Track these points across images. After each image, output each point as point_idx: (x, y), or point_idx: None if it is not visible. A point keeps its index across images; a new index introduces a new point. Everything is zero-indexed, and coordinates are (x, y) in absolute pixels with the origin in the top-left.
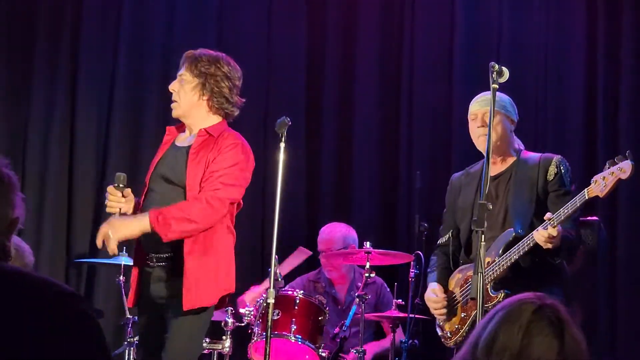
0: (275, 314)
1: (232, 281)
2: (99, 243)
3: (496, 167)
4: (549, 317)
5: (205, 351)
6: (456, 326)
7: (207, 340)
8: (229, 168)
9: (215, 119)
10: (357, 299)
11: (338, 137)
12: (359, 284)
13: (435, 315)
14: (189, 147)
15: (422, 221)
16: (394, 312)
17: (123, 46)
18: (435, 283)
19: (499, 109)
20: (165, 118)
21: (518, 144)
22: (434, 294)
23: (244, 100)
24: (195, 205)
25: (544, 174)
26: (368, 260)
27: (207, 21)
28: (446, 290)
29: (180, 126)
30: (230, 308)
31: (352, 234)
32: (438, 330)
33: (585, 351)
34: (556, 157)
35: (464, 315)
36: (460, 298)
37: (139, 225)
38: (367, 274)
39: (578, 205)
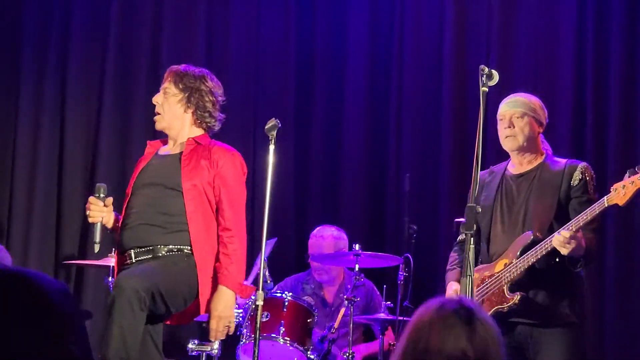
0: (264, 316)
1: None
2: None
3: (521, 167)
4: (454, 309)
5: (194, 353)
6: None
7: (196, 342)
8: (239, 194)
9: (199, 132)
10: (346, 302)
11: (327, 139)
12: (349, 286)
13: None
14: (179, 153)
15: (411, 224)
16: (383, 315)
17: (111, 54)
18: (456, 283)
19: (527, 111)
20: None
21: (546, 147)
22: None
23: (224, 115)
24: (238, 250)
25: (569, 179)
26: (357, 263)
27: (196, 26)
28: None
29: (162, 140)
30: None
31: (342, 237)
32: None
33: (498, 335)
34: (582, 164)
35: None
36: (476, 297)
37: (231, 302)
38: (356, 277)
39: (597, 212)
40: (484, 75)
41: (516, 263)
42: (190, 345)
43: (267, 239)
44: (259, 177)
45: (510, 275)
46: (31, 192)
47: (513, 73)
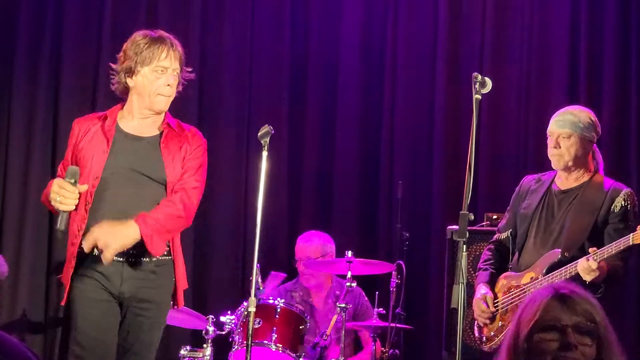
0: (256, 322)
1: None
2: (88, 248)
3: (567, 183)
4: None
5: (187, 359)
6: (492, 333)
7: (188, 348)
8: (199, 169)
9: None
10: (338, 309)
11: (320, 146)
12: (337, 292)
13: (478, 320)
14: (156, 138)
15: (404, 231)
16: (375, 322)
17: (104, 59)
18: (486, 288)
19: (574, 131)
20: None
21: (596, 160)
22: (484, 303)
23: None
24: (175, 215)
25: (610, 204)
26: (350, 270)
27: (190, 30)
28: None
29: (112, 111)
30: (211, 316)
31: (329, 242)
32: (475, 331)
33: (591, 304)
34: (626, 190)
35: (501, 324)
36: (501, 305)
37: (134, 234)
38: (348, 284)
39: (622, 248)
40: (477, 83)
41: (541, 280)
42: (182, 352)
43: (260, 246)
44: (251, 184)
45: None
46: (24, 203)
47: (506, 80)
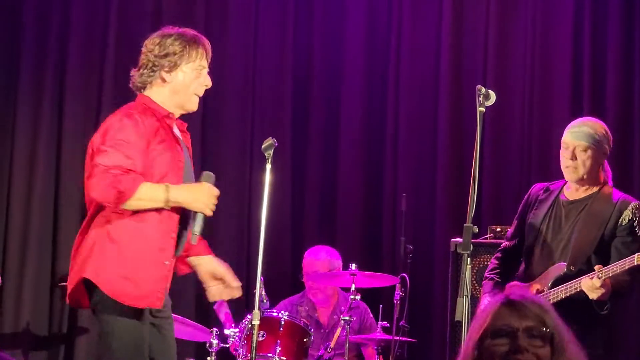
0: (260, 335)
1: None
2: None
3: (576, 193)
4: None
5: None
6: None
7: None
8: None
9: None
10: (342, 322)
11: (324, 158)
12: (343, 308)
13: None
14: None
15: (408, 243)
16: (379, 335)
17: (109, 65)
18: (490, 296)
19: (591, 144)
20: None
21: (605, 173)
22: None
23: None
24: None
25: (617, 216)
26: (353, 283)
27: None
28: None
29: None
30: (215, 329)
31: (337, 257)
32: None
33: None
34: (634, 203)
35: None
36: None
37: None
38: (352, 296)
39: (627, 267)
40: (481, 96)
41: (547, 293)
42: None
43: (264, 258)
44: (255, 196)
45: None
46: (27, 211)
47: (509, 93)
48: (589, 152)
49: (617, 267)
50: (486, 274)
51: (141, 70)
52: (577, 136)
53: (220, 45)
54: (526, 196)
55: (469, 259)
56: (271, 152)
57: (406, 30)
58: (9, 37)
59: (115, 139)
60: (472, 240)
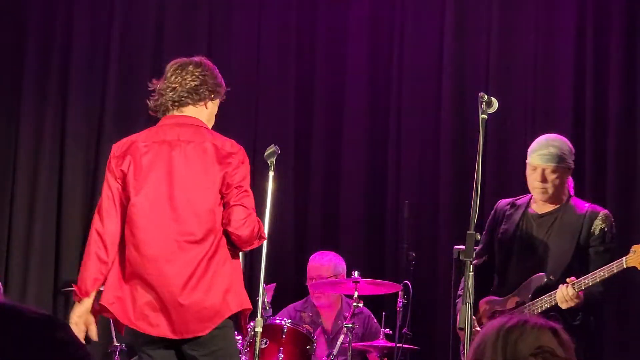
0: (262, 342)
1: None
2: None
3: (544, 207)
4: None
5: None
6: None
7: None
8: None
9: None
10: (345, 329)
11: (326, 166)
12: (346, 314)
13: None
14: None
15: (410, 251)
16: (382, 342)
17: (112, 75)
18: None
19: (559, 164)
20: None
21: (569, 188)
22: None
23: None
24: None
25: (589, 226)
26: (356, 290)
27: (196, 48)
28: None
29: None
30: None
31: (341, 262)
32: (462, 358)
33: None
34: (603, 212)
35: None
36: None
37: None
38: (355, 304)
39: (615, 272)
40: (484, 103)
41: (529, 305)
42: None
43: (267, 265)
44: (258, 204)
45: None
46: (30, 218)
47: (512, 100)
48: (559, 172)
49: (589, 279)
50: (459, 292)
51: (185, 90)
52: (546, 159)
53: (223, 56)
54: (492, 212)
55: (471, 266)
56: (274, 159)
57: (409, 39)
58: (14, 40)
59: (249, 183)
60: (475, 248)
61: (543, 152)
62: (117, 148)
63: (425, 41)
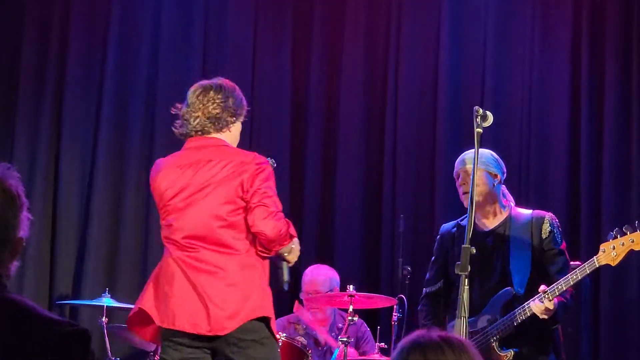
0: None
1: None
2: None
3: (488, 222)
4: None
5: None
6: None
7: None
8: None
9: None
10: (340, 342)
11: (322, 179)
12: (340, 325)
13: None
14: None
15: (405, 265)
16: (377, 356)
17: (108, 84)
18: None
19: (478, 166)
20: (149, 160)
21: (507, 198)
22: None
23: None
24: None
25: (538, 232)
26: (351, 304)
27: (191, 58)
28: None
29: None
30: None
31: (335, 276)
32: None
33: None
34: (548, 215)
35: None
36: None
37: None
38: (350, 318)
39: (588, 272)
40: (479, 117)
41: (503, 321)
42: None
43: None
44: None
45: (497, 332)
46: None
47: (507, 113)
48: (478, 173)
49: (561, 284)
50: (423, 322)
51: (207, 118)
52: (464, 162)
53: (217, 71)
54: (438, 238)
55: (467, 280)
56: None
57: (405, 52)
58: (10, 45)
59: (273, 189)
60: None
61: (460, 159)
62: (152, 172)
63: (421, 55)
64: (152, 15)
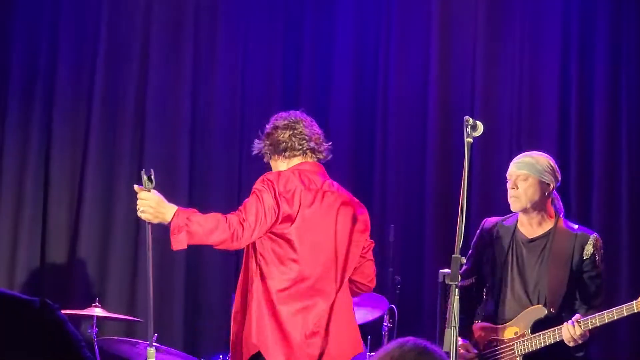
0: None
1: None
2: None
3: (532, 230)
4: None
5: None
6: None
7: None
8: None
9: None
10: None
11: None
12: None
13: None
14: None
15: (396, 274)
16: None
17: (97, 93)
18: (461, 339)
19: (531, 173)
20: (139, 165)
21: (556, 208)
22: (465, 351)
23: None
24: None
25: (580, 251)
26: None
27: (181, 74)
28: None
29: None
30: None
31: None
32: None
33: None
34: (593, 236)
35: None
36: (485, 358)
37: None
38: None
39: (625, 314)
40: (469, 126)
41: (532, 338)
42: None
43: None
44: None
45: (524, 348)
46: (15, 240)
47: (497, 122)
48: (530, 180)
49: (596, 319)
50: (448, 315)
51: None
52: (518, 166)
53: (209, 80)
54: (478, 232)
55: (457, 289)
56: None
57: (394, 62)
58: None
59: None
60: (460, 271)
61: (517, 161)
62: None
63: (411, 64)
64: (141, 32)
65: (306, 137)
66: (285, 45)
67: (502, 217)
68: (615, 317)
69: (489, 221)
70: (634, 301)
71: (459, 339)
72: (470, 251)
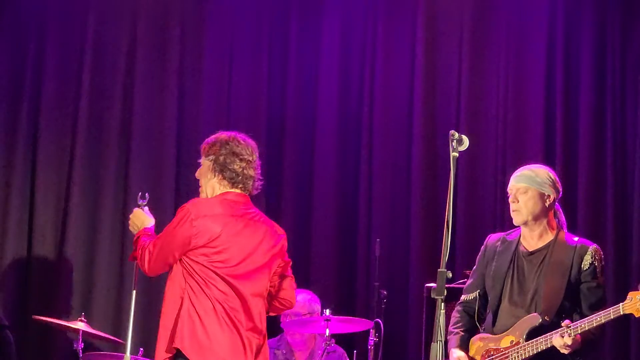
0: None
1: None
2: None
3: (532, 243)
4: None
5: None
6: None
7: None
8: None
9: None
10: None
11: (298, 203)
12: (320, 352)
13: None
14: None
15: (382, 289)
16: None
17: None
18: (460, 351)
19: (531, 185)
20: (125, 181)
21: (558, 220)
22: None
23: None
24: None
25: (579, 262)
26: (327, 328)
27: (167, 86)
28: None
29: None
30: None
31: (316, 301)
32: None
33: None
34: (592, 247)
35: None
36: None
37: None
38: (326, 342)
39: (612, 317)
40: (454, 140)
41: (525, 346)
42: None
43: None
44: None
45: (518, 356)
46: (2, 249)
47: (483, 136)
48: (530, 193)
49: (585, 323)
50: (451, 329)
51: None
52: (517, 180)
53: (194, 92)
54: (483, 248)
55: (442, 304)
56: None
57: (379, 77)
58: None
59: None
60: (446, 286)
61: (517, 174)
62: None
63: (396, 79)
64: (127, 45)
65: (252, 177)
66: (270, 59)
67: (506, 232)
68: (603, 321)
69: (493, 236)
70: (620, 304)
71: (460, 352)
72: (474, 266)
